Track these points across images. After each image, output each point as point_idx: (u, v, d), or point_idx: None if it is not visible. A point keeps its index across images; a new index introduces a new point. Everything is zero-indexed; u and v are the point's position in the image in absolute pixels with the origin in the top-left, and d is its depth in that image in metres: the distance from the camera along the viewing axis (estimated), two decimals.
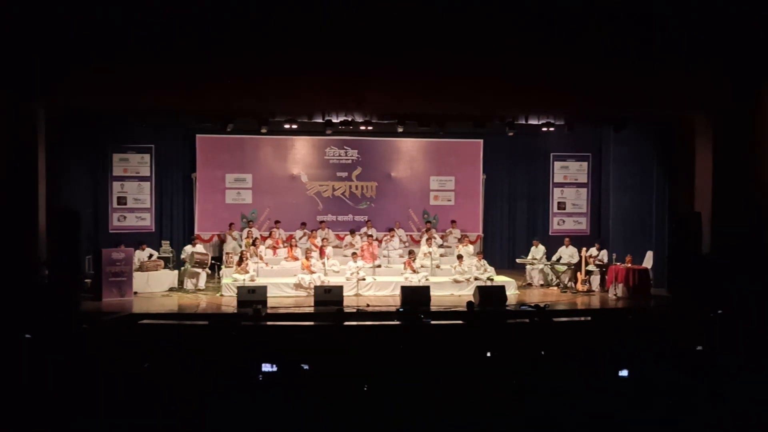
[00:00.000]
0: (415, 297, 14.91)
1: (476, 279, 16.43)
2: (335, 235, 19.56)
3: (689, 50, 14.13)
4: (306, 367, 6.94)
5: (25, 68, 13.19)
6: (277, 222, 19.08)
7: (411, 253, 17.19)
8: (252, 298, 14.43)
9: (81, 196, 18.00)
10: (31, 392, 6.72)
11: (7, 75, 13.20)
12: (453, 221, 19.95)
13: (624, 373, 6.46)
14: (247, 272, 16.18)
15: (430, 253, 17.39)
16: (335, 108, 15.89)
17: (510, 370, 6.84)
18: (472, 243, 19.10)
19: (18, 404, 6.43)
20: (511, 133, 18.54)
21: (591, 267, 17.02)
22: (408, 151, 20.51)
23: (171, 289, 16.46)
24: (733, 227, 14.86)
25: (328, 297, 14.81)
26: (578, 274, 16.98)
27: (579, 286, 16.83)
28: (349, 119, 16.77)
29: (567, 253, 17.79)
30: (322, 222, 19.38)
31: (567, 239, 18.20)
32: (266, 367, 7.00)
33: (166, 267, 17.01)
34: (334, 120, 16.99)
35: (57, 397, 6.66)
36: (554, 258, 17.89)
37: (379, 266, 17.34)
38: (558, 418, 5.61)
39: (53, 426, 6.10)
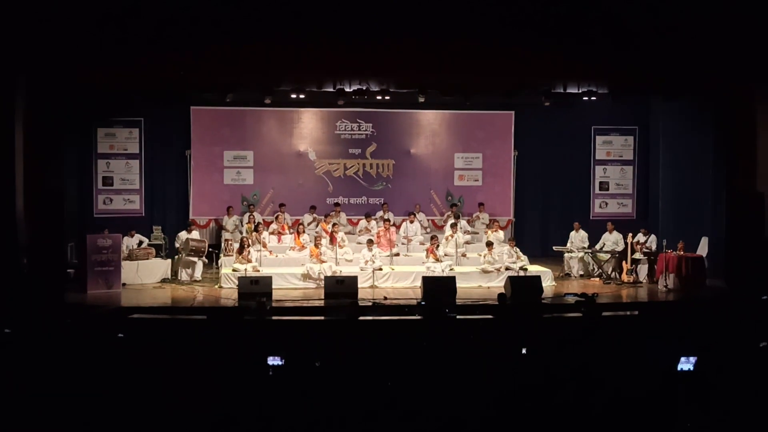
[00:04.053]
0: (439, 288, 14.90)
1: (507, 269, 16.41)
2: (348, 219, 19.58)
3: (749, 9, 13.95)
4: (318, 364, 6.98)
5: (4, 36, 13.19)
6: (282, 205, 19.12)
7: (433, 239, 17.19)
8: (255, 290, 14.46)
9: (63, 176, 18.10)
10: (11, 392, 6.79)
11: None
12: (480, 204, 19.91)
13: (686, 366, 6.45)
14: (249, 261, 16.23)
15: (452, 235, 17.38)
16: (348, 75, 15.86)
17: (549, 370, 6.86)
18: (502, 228, 19.09)
19: None
20: (547, 104, 18.42)
21: (638, 255, 16.94)
22: (429, 125, 20.46)
23: (164, 280, 16.56)
24: None
25: (341, 289, 14.81)
26: (623, 263, 16.90)
27: (624, 277, 16.76)
28: (364, 88, 16.73)
29: (611, 240, 17.71)
30: (336, 205, 19.39)
31: (610, 224, 18.10)
32: (273, 361, 7.04)
33: (157, 255, 17.10)
34: (347, 89, 16.96)
35: (38, 397, 6.73)
36: (597, 245, 17.81)
37: (397, 254, 17.35)
38: (602, 420, 5.62)
39: (36, 427, 6.18)
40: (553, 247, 18.44)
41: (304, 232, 17.72)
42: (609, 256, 17.42)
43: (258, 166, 19.99)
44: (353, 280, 15.13)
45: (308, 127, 20.15)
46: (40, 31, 13.23)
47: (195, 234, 17.53)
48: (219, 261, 17.42)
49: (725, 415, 6.21)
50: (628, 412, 5.92)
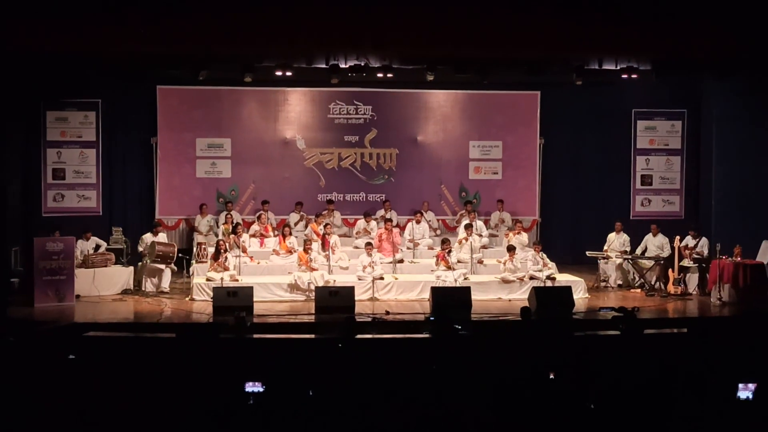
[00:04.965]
0: (451, 301, 14.91)
1: (532, 278, 16.40)
2: (343, 219, 19.54)
3: None
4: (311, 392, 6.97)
5: None
6: (265, 203, 19.09)
7: (444, 243, 17.15)
8: (233, 303, 14.45)
9: (4, 168, 18.07)
10: None
11: None
12: (500, 201, 19.85)
13: (744, 393, 6.46)
14: (225, 269, 16.21)
15: (467, 238, 17.36)
16: (343, 48, 15.83)
17: (582, 398, 6.84)
18: (525, 230, 19.06)
19: None
20: (579, 83, 18.38)
21: (686, 262, 16.91)
22: (440, 108, 20.43)
23: (125, 291, 16.56)
24: None
25: (334, 302, 14.81)
26: (669, 271, 16.88)
27: (670, 288, 16.73)
28: (362, 64, 16.69)
29: (654, 244, 17.69)
30: (329, 203, 19.36)
31: (654, 225, 18.07)
32: (252, 387, 7.02)
33: (117, 262, 17.08)
34: (342, 65, 16.92)
35: None
36: (638, 250, 17.79)
37: (401, 261, 17.31)
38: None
39: None
40: (587, 253, 18.41)
41: (290, 234, 17.68)
42: (652, 263, 17.38)
43: (236, 156, 19.95)
44: (349, 291, 15.11)
45: (296, 110, 20.11)
46: None
47: (162, 237, 17.50)
48: (190, 269, 17.39)
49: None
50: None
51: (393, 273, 16.81)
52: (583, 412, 6.70)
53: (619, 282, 17.71)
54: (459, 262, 17.07)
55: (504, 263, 16.83)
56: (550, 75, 18.44)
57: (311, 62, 17.16)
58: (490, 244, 18.68)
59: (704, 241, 17.24)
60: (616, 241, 18.00)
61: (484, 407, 6.86)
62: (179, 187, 19.78)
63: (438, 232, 19.38)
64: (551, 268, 16.83)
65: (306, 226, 18.56)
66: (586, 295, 16.47)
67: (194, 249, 17.95)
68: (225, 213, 18.78)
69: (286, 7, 14.16)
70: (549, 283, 16.21)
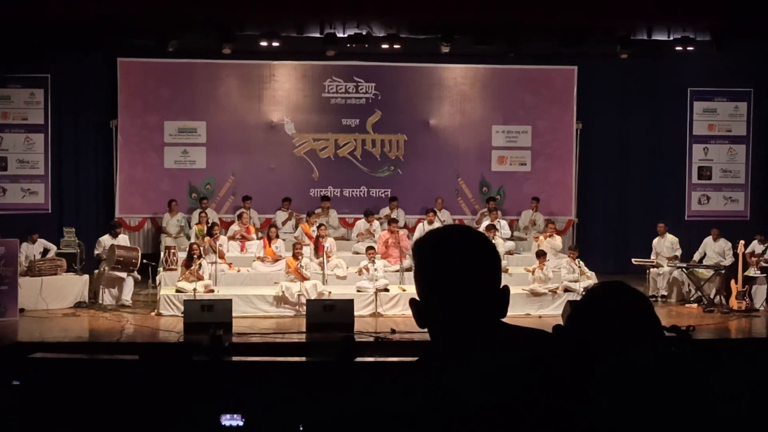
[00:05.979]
0: None
1: (567, 290, 16.40)
2: (340, 219, 19.55)
3: None
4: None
5: None
6: (246, 199, 19.10)
7: None
8: (207, 318, 14.45)
9: None
10: None
11: None
12: (535, 199, 19.74)
13: None
14: (199, 278, 16.22)
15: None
16: (341, 14, 15.86)
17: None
18: (559, 233, 19.03)
19: None
20: (624, 56, 18.37)
21: (752, 272, 16.89)
22: (457, 86, 20.43)
23: (78, 305, 16.56)
24: None
25: (330, 317, 14.82)
26: (732, 283, 16.86)
27: (733, 302, 16.72)
28: (363, 33, 16.71)
29: (714, 250, 17.68)
30: (324, 199, 19.38)
31: (715, 229, 18.05)
32: (230, 420, 7.03)
33: (69, 269, 17.08)
34: (339, 34, 16.94)
35: None
36: (695, 257, 17.77)
37: (410, 269, 17.33)
38: None
39: None
40: (633, 260, 18.41)
41: (277, 236, 17.69)
42: (712, 272, 17.37)
43: (213, 143, 19.97)
44: (347, 305, 15.11)
45: (284, 88, 20.11)
46: None
47: (123, 239, 17.52)
48: (157, 277, 17.41)
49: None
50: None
51: (400, 284, 16.85)
52: None
53: (664, 293, 17.67)
54: None
55: (533, 272, 16.82)
56: (589, 46, 18.44)
57: (303, 30, 17.18)
58: (516, 249, 18.67)
59: None
60: (662, 245, 17.97)
61: None
62: (144, 179, 19.79)
63: None
64: (590, 277, 16.81)
65: (296, 227, 18.57)
66: None
67: (162, 254, 17.97)
68: (199, 211, 18.78)
69: None
70: None
